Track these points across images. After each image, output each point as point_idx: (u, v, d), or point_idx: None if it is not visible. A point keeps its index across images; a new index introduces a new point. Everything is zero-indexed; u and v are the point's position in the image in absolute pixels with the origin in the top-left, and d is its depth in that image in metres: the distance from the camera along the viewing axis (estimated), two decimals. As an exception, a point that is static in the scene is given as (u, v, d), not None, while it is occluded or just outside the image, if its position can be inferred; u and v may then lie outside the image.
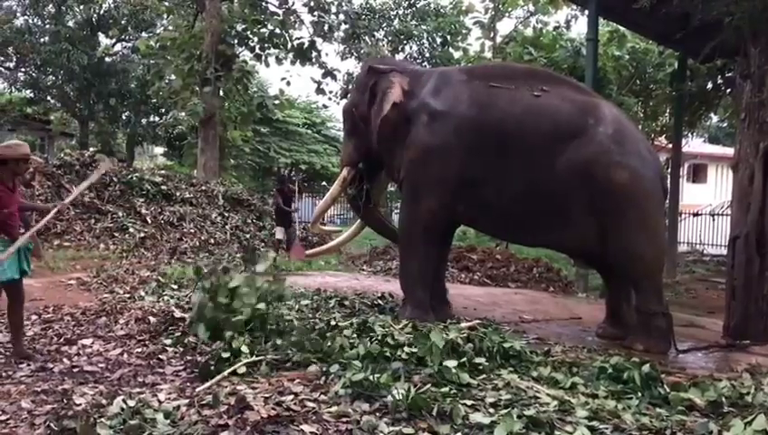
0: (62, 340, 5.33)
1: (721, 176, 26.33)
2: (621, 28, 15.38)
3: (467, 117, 6.42)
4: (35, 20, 23.61)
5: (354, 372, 3.89)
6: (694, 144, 21.88)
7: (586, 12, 11.33)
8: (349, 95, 7.35)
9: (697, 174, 28.52)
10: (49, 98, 25.33)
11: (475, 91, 6.55)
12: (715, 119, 21.60)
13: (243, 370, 4.15)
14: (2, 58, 23.77)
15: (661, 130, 18.05)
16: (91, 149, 19.54)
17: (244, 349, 4.45)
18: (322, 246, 8.39)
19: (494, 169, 6.36)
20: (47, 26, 23.35)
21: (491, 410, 3.48)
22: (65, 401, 3.81)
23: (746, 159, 6.85)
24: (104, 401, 3.57)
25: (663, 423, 3.46)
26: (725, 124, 23.57)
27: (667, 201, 13.58)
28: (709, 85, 14.41)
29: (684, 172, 21.12)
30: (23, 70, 24.36)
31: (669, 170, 14.20)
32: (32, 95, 25.03)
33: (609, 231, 6.20)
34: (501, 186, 6.38)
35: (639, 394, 4.02)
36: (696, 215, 18.85)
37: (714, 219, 18.26)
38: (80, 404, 3.67)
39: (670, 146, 15.19)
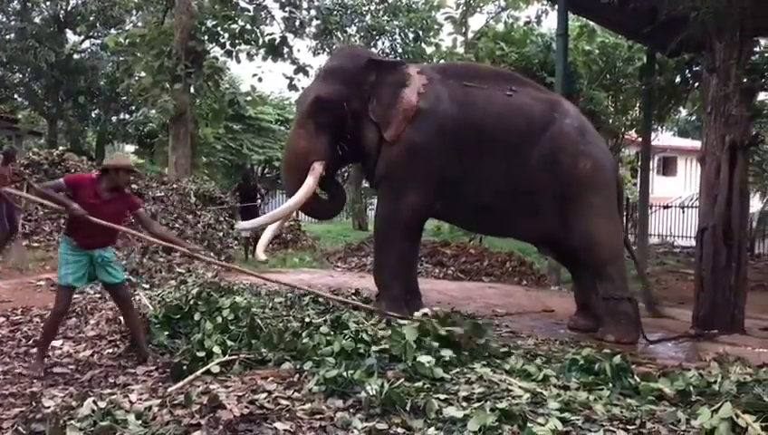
0: (30, 342, 5.25)
1: (690, 168, 26.75)
2: (591, 23, 15.52)
3: (450, 115, 6.48)
4: (0, 17, 23.15)
5: (328, 368, 3.89)
6: (663, 137, 22.21)
7: (556, 7, 11.39)
8: (326, 85, 6.71)
9: (667, 167, 28.98)
10: (16, 96, 24.89)
11: (453, 90, 6.61)
12: (683, 112, 21.89)
13: (216, 369, 4.12)
14: (-34, 56, 23.30)
15: (631, 124, 18.26)
16: (60, 147, 19.21)
17: (216, 349, 4.40)
18: (263, 238, 7.28)
19: (474, 166, 6.50)
20: (12, 23, 22.91)
21: (464, 404, 3.50)
22: (34, 403, 3.76)
23: (713, 151, 6.96)
24: (74, 403, 3.53)
25: (633, 413, 3.52)
26: (694, 118, 23.90)
27: (638, 194, 13.80)
28: (677, 79, 14.60)
29: (654, 165, 21.44)
30: (-12, 68, 23.91)
31: (640, 163, 14.37)
32: (-2, 93, 24.58)
33: (573, 218, 6.45)
34: (480, 182, 6.53)
35: (610, 385, 4.08)
36: (666, 207, 19.11)
37: (683, 211, 18.53)
38: (49, 407, 3.62)
39: (640, 139, 15.36)
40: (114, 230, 4.85)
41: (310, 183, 6.51)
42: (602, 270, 6.50)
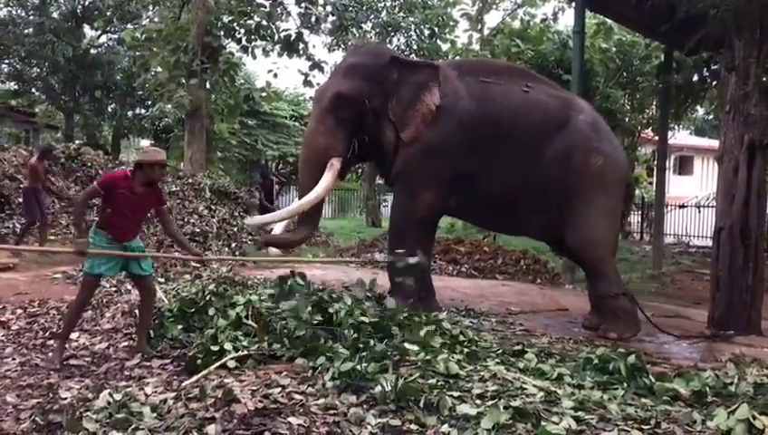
0: (47, 334, 5.29)
1: (707, 168, 26.54)
2: (608, 20, 15.43)
3: (468, 112, 6.47)
4: (19, 11, 23.31)
5: (342, 360, 3.89)
6: (680, 136, 22.06)
7: (573, 4, 11.33)
8: (347, 81, 6.59)
9: (684, 166, 28.75)
10: (34, 90, 25.05)
11: (470, 86, 6.61)
12: (701, 111, 21.72)
13: (232, 364, 4.12)
14: (-15, 50, 23.50)
15: (648, 123, 18.18)
16: (77, 141, 19.33)
17: (228, 345, 4.35)
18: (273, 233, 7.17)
19: (490, 162, 6.51)
20: (31, 18, 23.06)
21: (478, 402, 3.49)
22: (51, 395, 3.79)
23: (731, 151, 6.90)
24: (90, 395, 3.56)
25: (648, 413, 3.49)
26: (711, 116, 23.71)
27: (654, 193, 13.73)
28: (695, 78, 14.50)
29: (670, 164, 21.29)
30: (6, 62, 24.05)
31: (656, 162, 14.29)
32: (16, 87, 24.75)
33: (574, 215, 6.49)
34: (494, 179, 6.54)
35: (625, 385, 4.06)
36: (682, 207, 18.96)
37: (699, 211, 18.38)
38: (66, 398, 3.66)
39: (657, 138, 15.26)
40: (143, 220, 4.99)
41: (329, 179, 6.44)
42: (596, 268, 6.60)
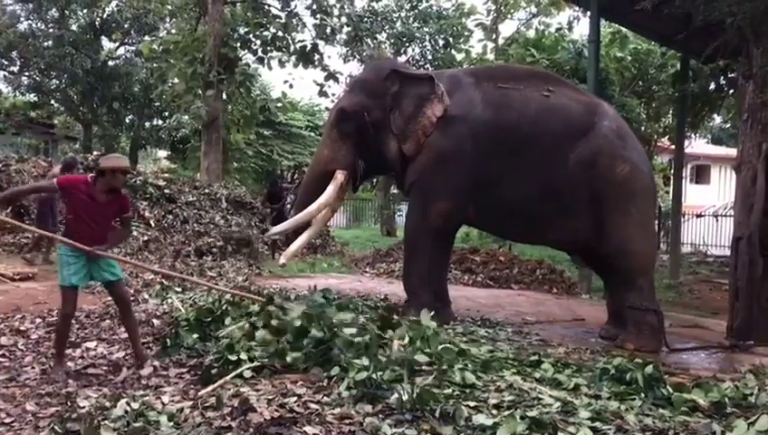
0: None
1: (724, 177, 26.32)
2: (623, 29, 15.39)
3: (483, 119, 6.46)
4: (39, 24, 23.66)
5: (357, 369, 3.88)
6: (697, 145, 21.90)
7: (588, 13, 11.32)
8: (351, 96, 6.86)
9: (701, 175, 28.51)
10: (53, 102, 25.38)
11: (486, 94, 6.59)
12: (717, 120, 21.58)
13: (248, 374, 4.13)
14: (6, 62, 23.81)
15: (664, 132, 18.08)
16: (95, 152, 19.56)
17: (243, 356, 4.34)
18: (293, 245, 7.06)
19: (508, 170, 6.45)
20: (51, 30, 23.39)
21: (494, 412, 3.47)
22: (69, 403, 3.82)
23: (749, 159, 6.85)
24: (108, 404, 3.57)
25: (666, 424, 3.45)
26: (728, 125, 23.54)
27: (671, 202, 13.65)
28: (712, 86, 14.41)
29: (687, 173, 21.14)
30: (26, 74, 24.41)
31: (672, 171, 14.19)
32: (35, 99, 25.09)
33: (608, 224, 6.35)
34: (514, 186, 6.47)
35: (642, 395, 4.02)
36: (699, 216, 18.80)
37: (717, 220, 18.23)
38: (84, 407, 3.67)
39: (673, 147, 15.17)
40: (108, 229, 4.80)
41: (330, 190, 6.65)
42: (633, 279, 6.43)
